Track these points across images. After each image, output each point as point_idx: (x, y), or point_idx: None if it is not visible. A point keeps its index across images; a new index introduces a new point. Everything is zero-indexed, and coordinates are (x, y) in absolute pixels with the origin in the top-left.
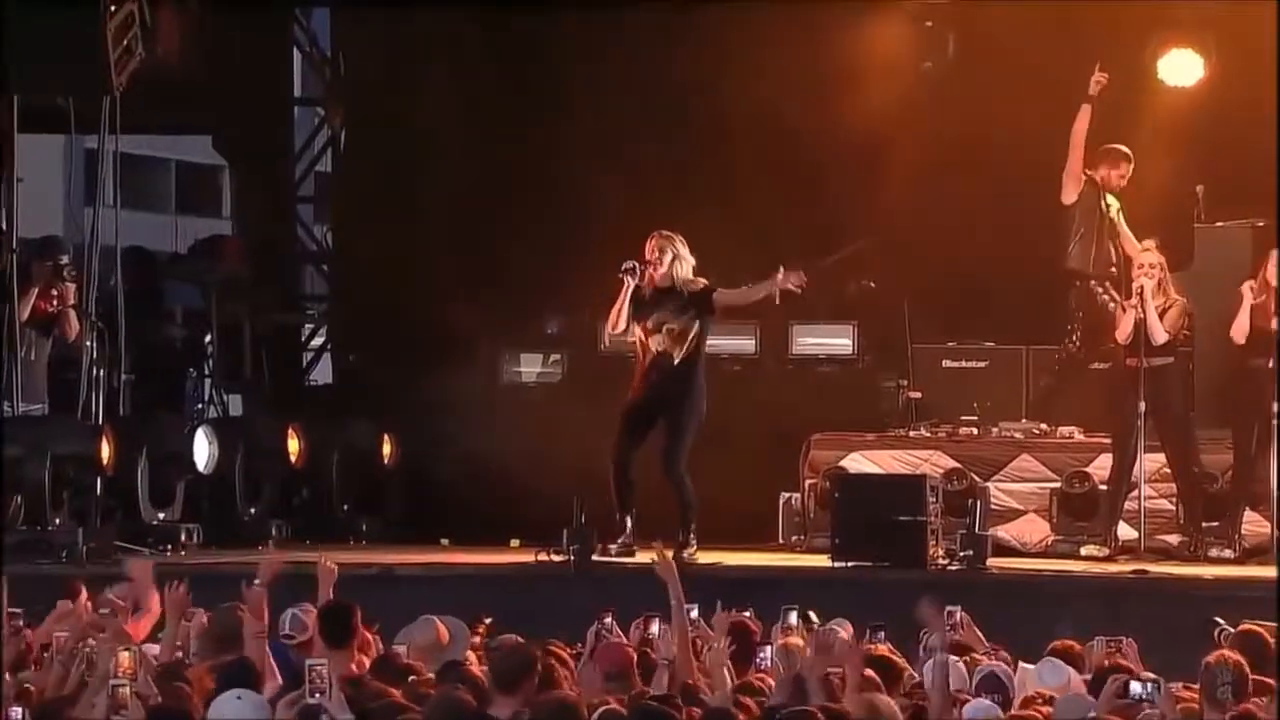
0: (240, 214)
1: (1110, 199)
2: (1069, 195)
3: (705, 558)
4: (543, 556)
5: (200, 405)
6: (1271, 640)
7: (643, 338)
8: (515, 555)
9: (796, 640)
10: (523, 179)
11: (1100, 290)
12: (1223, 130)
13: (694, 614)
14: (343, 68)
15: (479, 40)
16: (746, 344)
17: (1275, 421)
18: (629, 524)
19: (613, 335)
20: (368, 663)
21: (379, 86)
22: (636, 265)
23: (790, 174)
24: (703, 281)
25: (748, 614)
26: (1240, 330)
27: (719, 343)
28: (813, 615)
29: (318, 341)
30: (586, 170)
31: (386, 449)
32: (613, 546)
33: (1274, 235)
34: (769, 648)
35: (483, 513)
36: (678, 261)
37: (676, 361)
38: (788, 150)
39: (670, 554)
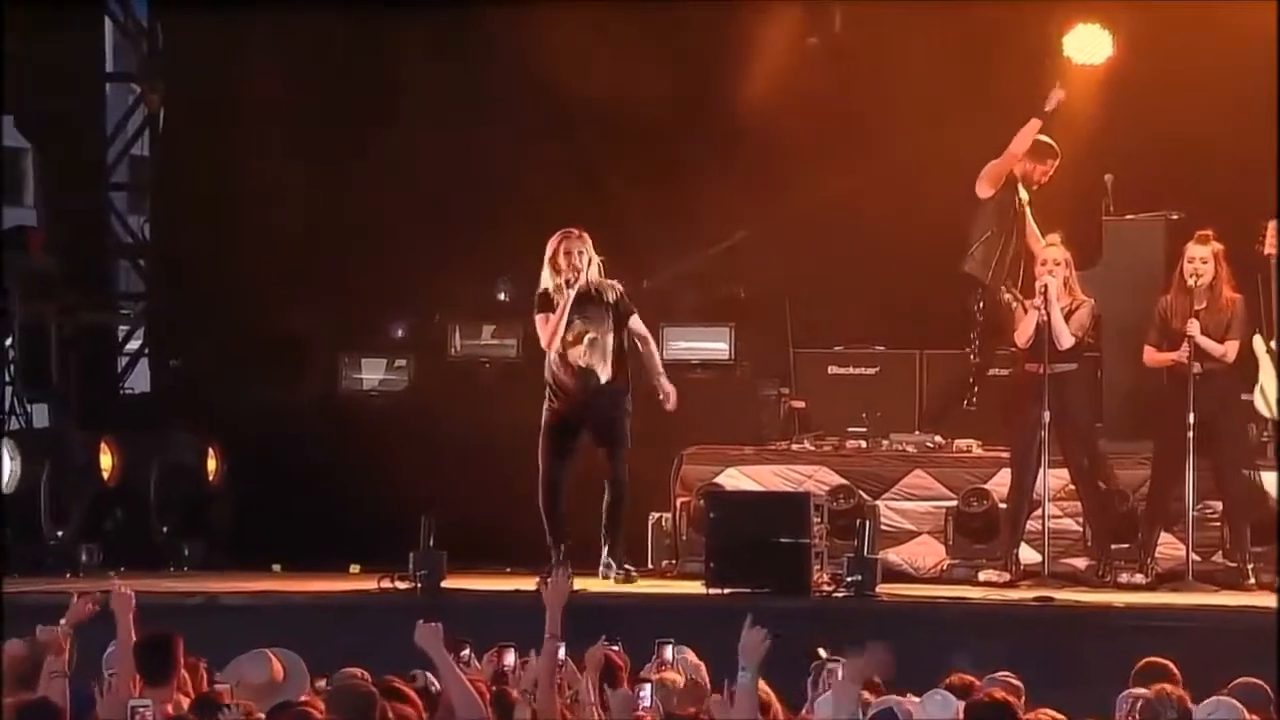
0: (45, 202)
1: (1023, 192)
2: (984, 190)
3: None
4: (386, 583)
5: (0, 416)
6: (1177, 674)
7: (560, 349)
8: (356, 582)
9: (673, 676)
10: (365, 170)
11: (1000, 289)
12: (1134, 114)
13: (561, 653)
14: (161, 40)
15: (316, 15)
16: None
17: (1190, 434)
18: (560, 553)
19: (550, 352)
20: (186, 703)
21: (201, 61)
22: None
23: (659, 166)
24: (616, 287)
25: (615, 648)
26: (1152, 361)
27: None
28: (822, 652)
29: (134, 345)
30: (435, 165)
31: (211, 464)
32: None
33: (1193, 229)
34: (648, 685)
35: (319, 536)
36: (592, 263)
37: (604, 380)
38: (656, 141)
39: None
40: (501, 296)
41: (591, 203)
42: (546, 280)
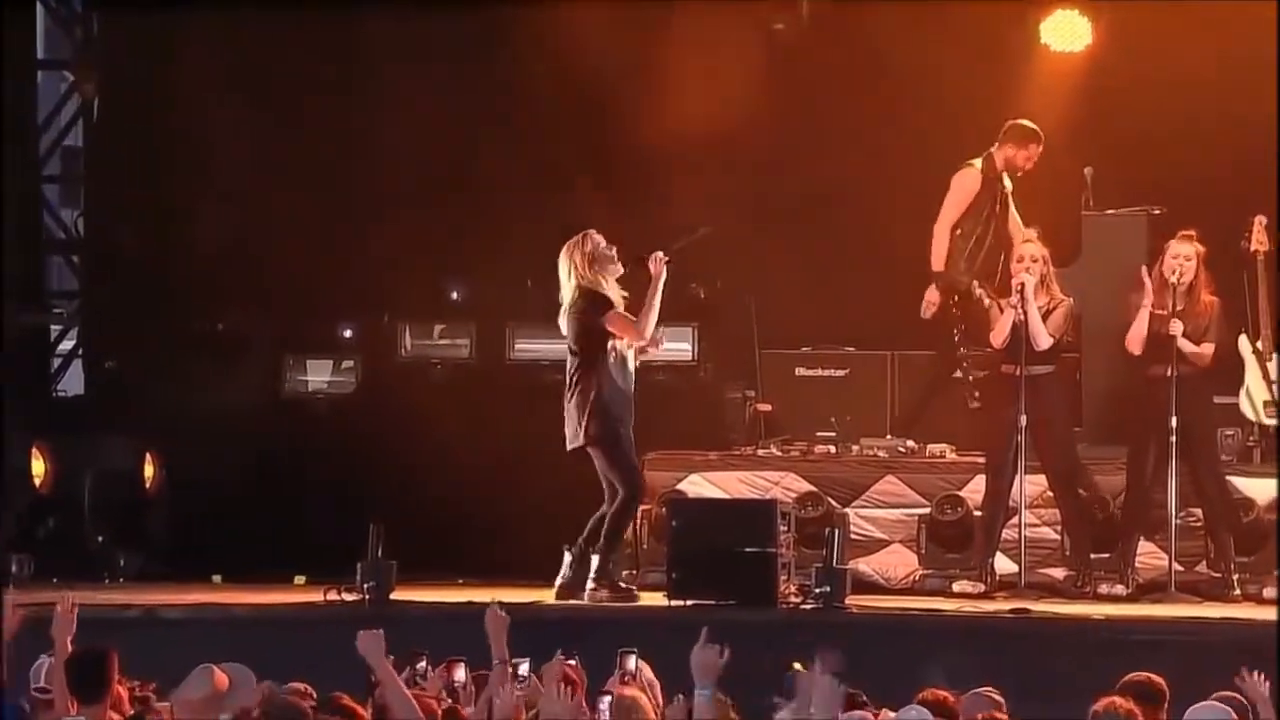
0: None
1: (1006, 182)
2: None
3: (521, 596)
4: (333, 595)
5: None
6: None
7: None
8: (301, 594)
9: (633, 692)
10: (311, 164)
11: (975, 287)
12: (1115, 104)
13: (524, 669)
14: (95, 26)
15: (258, 5)
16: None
17: (1174, 439)
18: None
19: (645, 351)
20: None
21: (138, 49)
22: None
23: (617, 161)
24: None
25: (572, 662)
26: (1136, 338)
27: (531, 346)
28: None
29: (67, 345)
30: (385, 161)
31: (149, 471)
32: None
33: (1176, 224)
34: (607, 698)
35: (262, 545)
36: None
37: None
38: (613, 135)
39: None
40: (454, 296)
41: (546, 199)
42: (591, 280)
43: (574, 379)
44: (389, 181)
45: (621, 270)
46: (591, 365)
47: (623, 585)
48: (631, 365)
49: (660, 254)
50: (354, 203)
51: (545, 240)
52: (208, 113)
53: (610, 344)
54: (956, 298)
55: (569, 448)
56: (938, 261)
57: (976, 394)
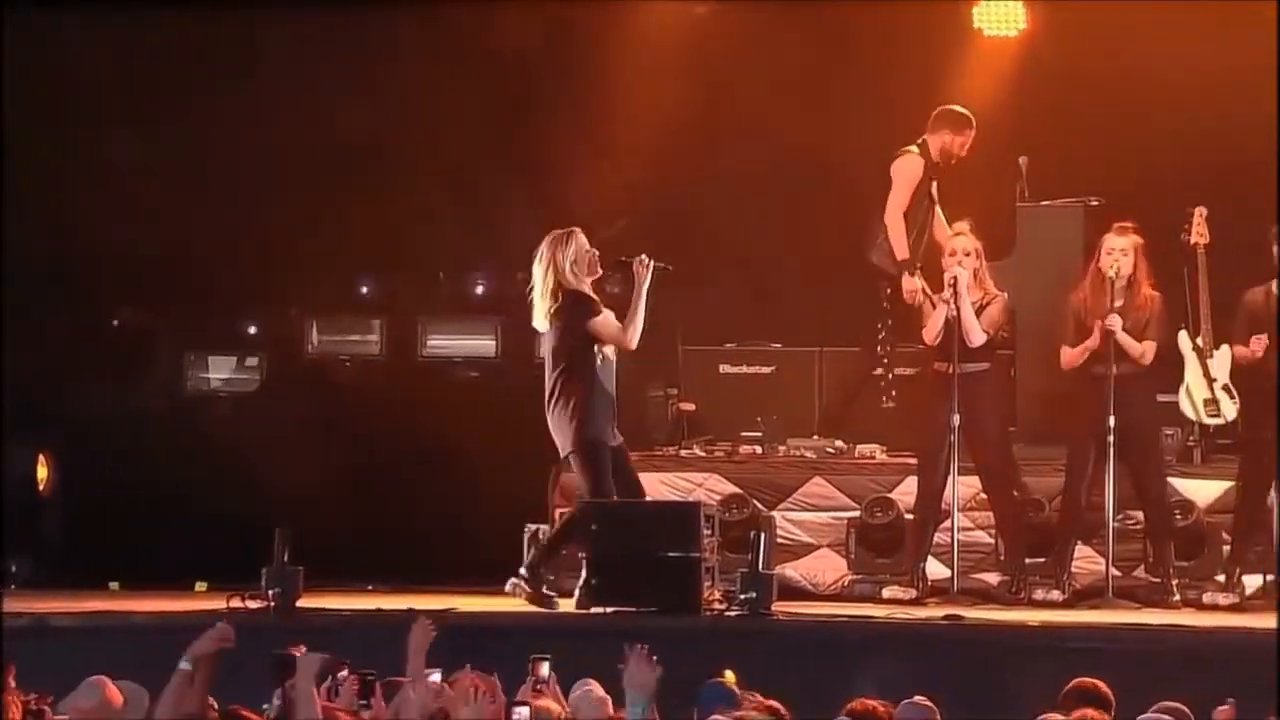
0: None
1: (934, 179)
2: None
3: (434, 603)
4: (236, 602)
5: None
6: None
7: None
8: (202, 601)
9: (550, 704)
10: (214, 158)
11: (911, 276)
12: (1051, 90)
13: (435, 678)
14: None
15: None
16: (485, 344)
17: (1110, 439)
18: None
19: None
20: None
21: (35, 44)
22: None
23: (532, 153)
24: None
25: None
26: (1068, 360)
27: (449, 343)
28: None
29: None
30: (293, 154)
31: (41, 473)
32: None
33: (1114, 216)
34: (525, 709)
35: (162, 550)
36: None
37: None
38: (529, 128)
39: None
40: (363, 290)
41: (459, 193)
42: (574, 281)
43: (559, 384)
44: (295, 174)
45: (600, 273)
46: (579, 370)
47: (547, 592)
48: (613, 368)
49: (644, 257)
50: (258, 196)
51: (456, 232)
52: (106, 108)
53: (597, 347)
54: (890, 290)
55: (563, 455)
56: (901, 250)
57: (892, 392)
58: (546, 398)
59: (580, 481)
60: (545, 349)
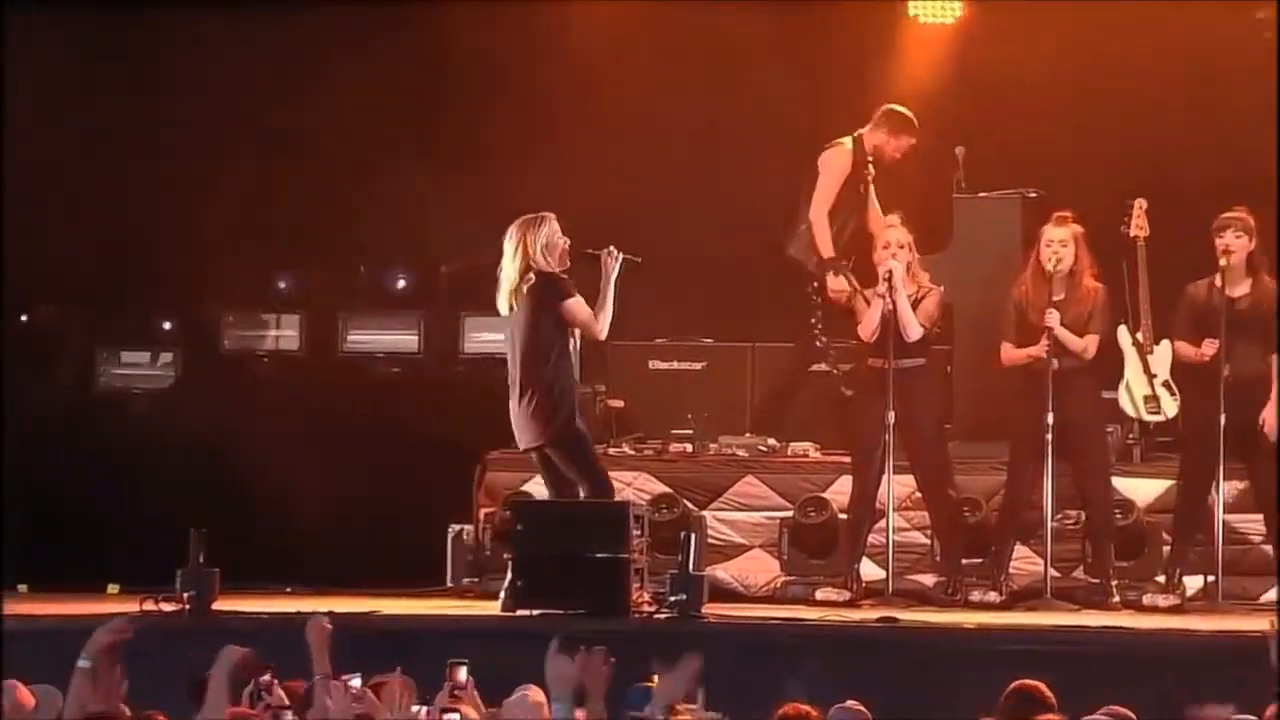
0: None
1: (871, 169)
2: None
3: (356, 606)
4: (150, 605)
5: None
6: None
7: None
8: (114, 604)
9: (469, 711)
10: (126, 152)
11: (831, 272)
12: (989, 79)
13: (355, 683)
14: None
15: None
16: (407, 339)
17: (1049, 436)
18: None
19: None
20: None
21: None
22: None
23: (459, 144)
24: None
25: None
26: (1009, 358)
27: (370, 338)
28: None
29: None
30: (209, 145)
31: None
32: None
33: (1053, 209)
34: (454, 715)
35: (72, 551)
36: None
37: None
38: (456, 119)
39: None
40: (281, 284)
41: (379, 187)
42: (545, 264)
43: (527, 371)
44: (210, 169)
45: (569, 264)
46: (549, 356)
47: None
48: (576, 356)
49: (612, 249)
50: (173, 191)
51: (377, 225)
52: (16, 104)
53: (567, 332)
54: (816, 284)
55: (524, 448)
56: (826, 248)
57: (844, 385)
58: (514, 386)
59: (573, 473)
60: (513, 334)
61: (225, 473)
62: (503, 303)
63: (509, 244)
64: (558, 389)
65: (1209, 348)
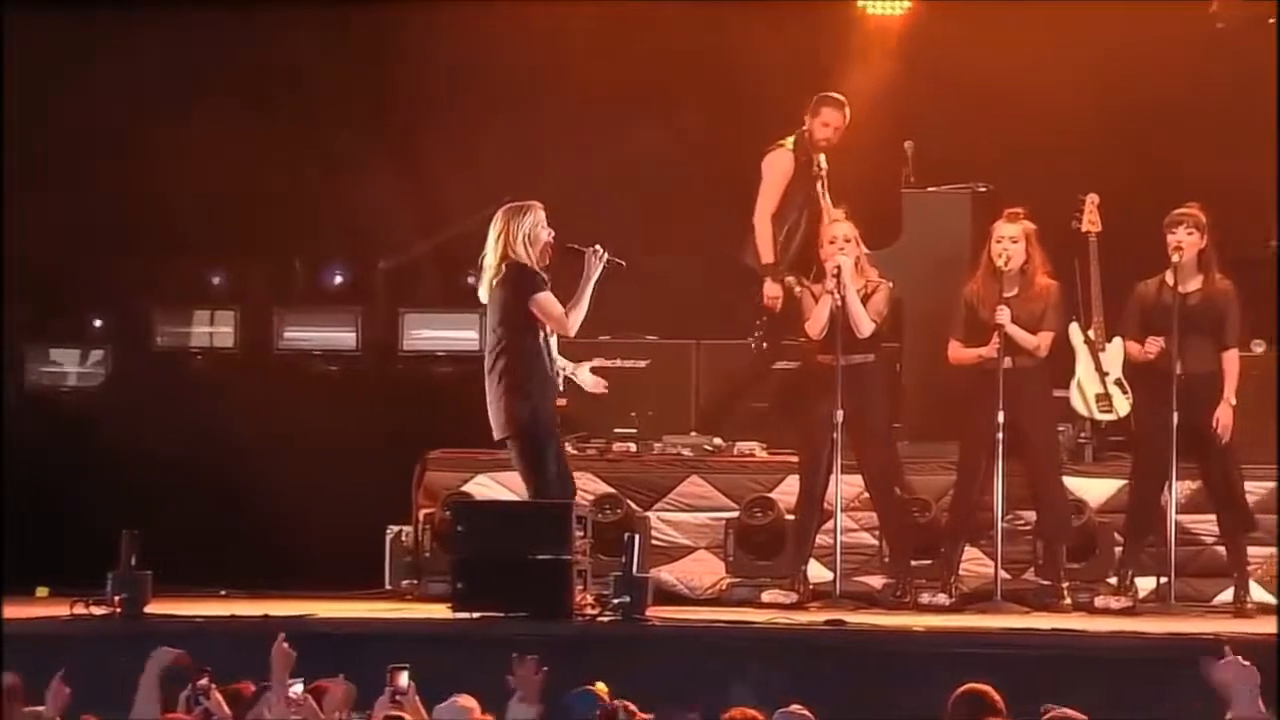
0: None
1: (823, 161)
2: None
3: (292, 609)
4: (80, 608)
5: None
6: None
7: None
8: (43, 607)
9: (409, 717)
10: (54, 148)
11: (784, 276)
12: (938, 72)
13: (297, 689)
14: None
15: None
16: (345, 336)
17: (1000, 435)
18: None
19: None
20: None
21: None
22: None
23: (397, 136)
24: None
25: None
26: (956, 356)
27: (307, 335)
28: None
29: None
30: (131, 140)
31: None
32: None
33: (1004, 204)
34: None
35: (1, 553)
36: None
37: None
38: (393, 110)
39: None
40: (215, 280)
41: (316, 179)
42: (524, 255)
43: (496, 360)
44: (142, 162)
45: (548, 261)
46: (516, 346)
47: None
48: (556, 350)
49: (598, 247)
50: (102, 185)
51: (311, 220)
52: None
53: (538, 326)
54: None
55: (496, 438)
56: (766, 253)
57: (777, 388)
58: (486, 375)
59: (518, 469)
60: (488, 322)
61: (157, 473)
62: (482, 290)
63: (492, 230)
64: (521, 382)
65: (1152, 346)
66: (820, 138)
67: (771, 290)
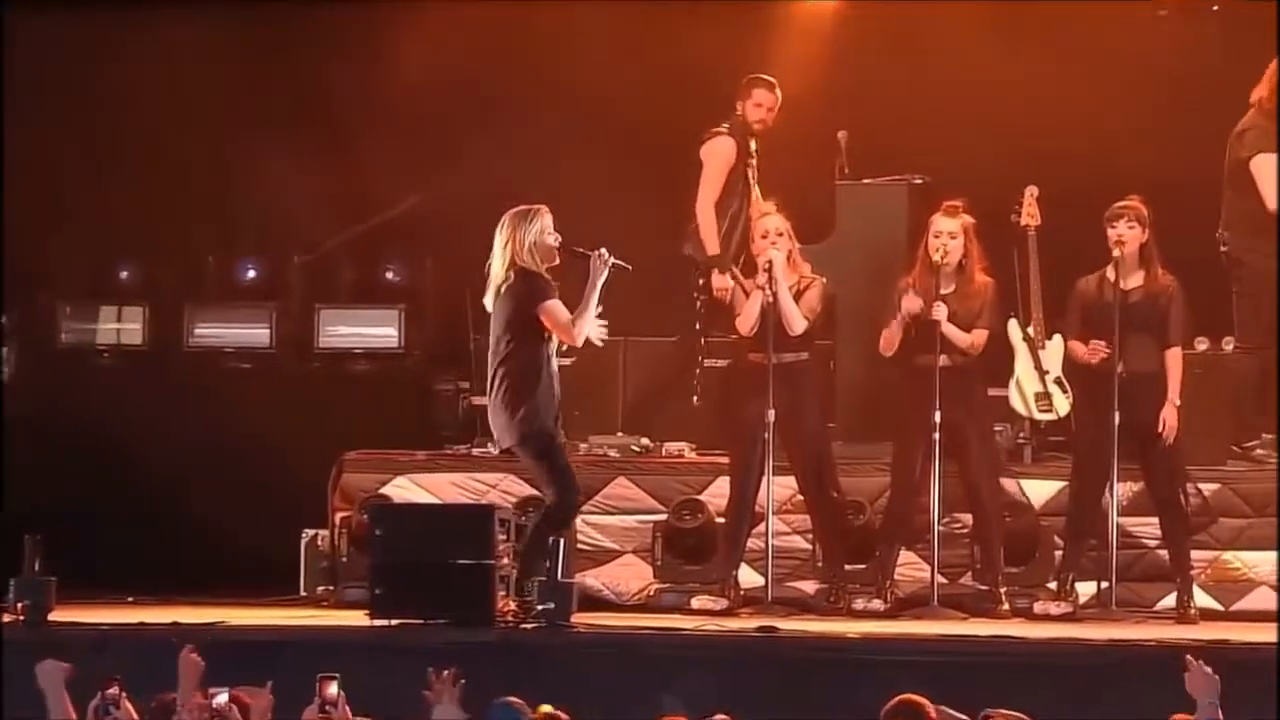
0: None
1: (754, 152)
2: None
3: (202, 616)
4: None
5: None
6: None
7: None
8: None
9: None
10: None
11: (726, 270)
12: (873, 60)
13: (222, 699)
14: None
15: None
16: (258, 333)
17: (937, 436)
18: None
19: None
20: None
21: None
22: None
23: (310, 124)
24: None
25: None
26: (887, 343)
27: (220, 331)
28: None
29: None
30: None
31: None
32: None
33: (941, 196)
34: None
35: None
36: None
37: None
38: (307, 97)
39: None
40: (123, 275)
41: (228, 174)
42: (531, 262)
43: (503, 368)
44: (45, 152)
45: (557, 261)
46: (523, 355)
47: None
48: (556, 358)
49: (603, 251)
50: (4, 174)
51: (226, 214)
52: None
53: (543, 334)
54: (701, 282)
55: (498, 449)
56: (711, 244)
57: (698, 387)
58: (489, 384)
59: (539, 476)
60: (493, 330)
61: (63, 474)
62: (489, 298)
63: (499, 237)
64: (526, 392)
65: (1095, 351)
66: (754, 119)
67: (720, 282)
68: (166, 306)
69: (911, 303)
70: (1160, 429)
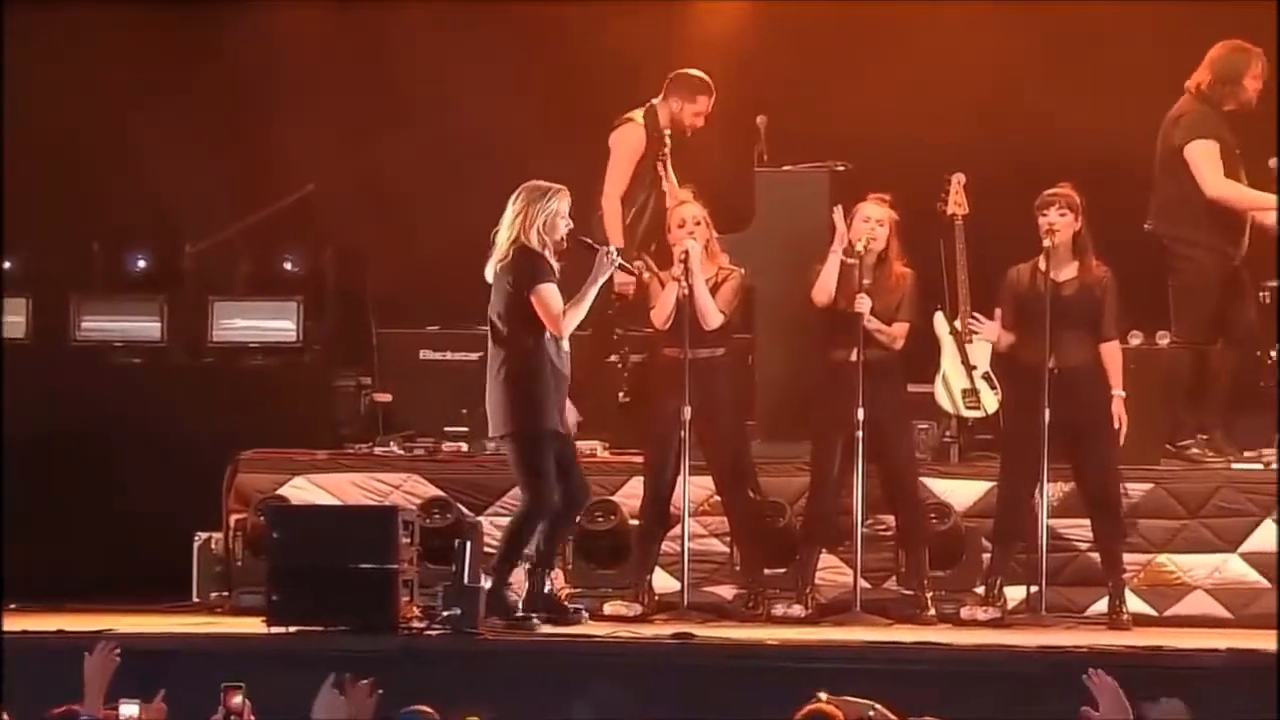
0: None
1: (667, 141)
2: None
3: (87, 623)
4: None
5: None
6: None
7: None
8: None
9: None
10: None
11: (635, 259)
12: (792, 44)
13: (131, 710)
14: None
15: None
16: (149, 326)
17: (859, 434)
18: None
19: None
20: None
21: None
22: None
23: (203, 107)
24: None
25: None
26: (823, 289)
27: (108, 324)
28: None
29: None
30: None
31: None
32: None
33: (864, 183)
34: None
35: None
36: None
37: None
38: (202, 80)
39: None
40: (5, 264)
41: (118, 159)
42: (536, 242)
43: (497, 351)
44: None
45: (564, 247)
46: (520, 338)
47: (520, 613)
48: (567, 342)
49: (611, 248)
50: None
51: (114, 199)
52: None
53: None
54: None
55: (491, 435)
56: (615, 237)
57: (622, 390)
58: (488, 365)
59: (514, 472)
60: (490, 306)
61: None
62: (488, 270)
63: (511, 208)
64: (523, 378)
65: (1005, 336)
66: (689, 124)
67: (621, 277)
68: (51, 298)
69: (861, 304)
70: (1092, 427)
